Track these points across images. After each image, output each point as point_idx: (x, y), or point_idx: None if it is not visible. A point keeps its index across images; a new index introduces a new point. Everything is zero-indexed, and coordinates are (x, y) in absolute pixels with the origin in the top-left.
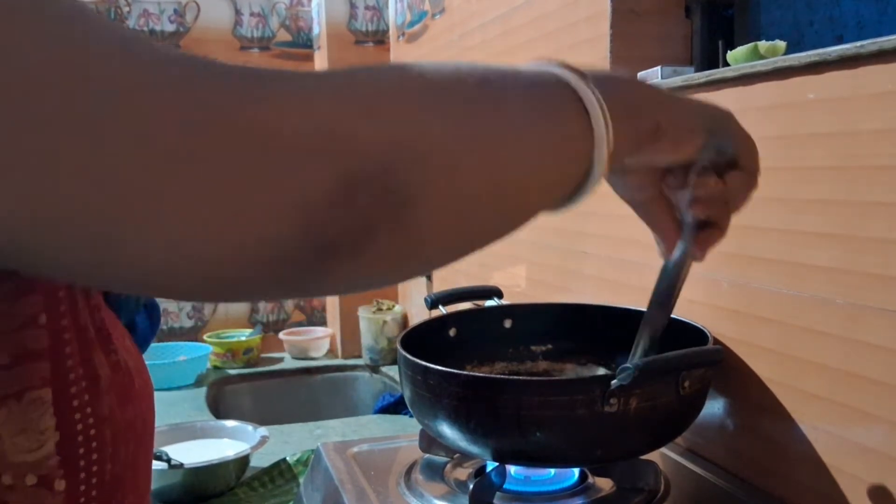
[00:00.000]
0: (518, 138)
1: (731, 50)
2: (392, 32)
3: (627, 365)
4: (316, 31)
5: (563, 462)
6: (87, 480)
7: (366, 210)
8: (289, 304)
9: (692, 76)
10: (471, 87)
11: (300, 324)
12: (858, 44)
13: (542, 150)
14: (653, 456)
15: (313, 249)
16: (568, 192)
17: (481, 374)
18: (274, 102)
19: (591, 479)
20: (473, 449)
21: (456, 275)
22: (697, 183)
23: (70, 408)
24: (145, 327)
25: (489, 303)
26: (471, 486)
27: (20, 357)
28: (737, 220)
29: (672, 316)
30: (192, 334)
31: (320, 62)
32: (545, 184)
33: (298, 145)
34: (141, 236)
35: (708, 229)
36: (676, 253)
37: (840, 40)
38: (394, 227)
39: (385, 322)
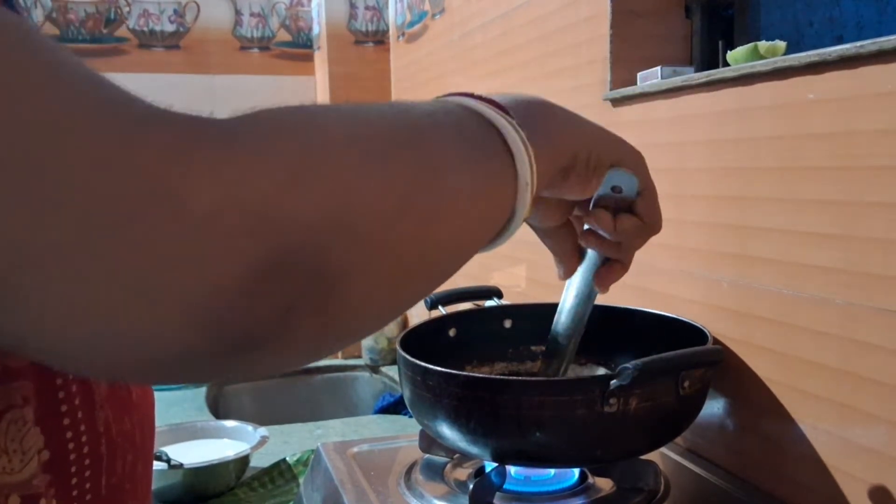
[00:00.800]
0: (451, 194)
1: (730, 50)
2: (392, 32)
3: (627, 365)
4: (316, 31)
5: (563, 462)
6: (81, 497)
7: (287, 297)
8: None
9: (692, 76)
10: (400, 139)
11: None
12: (858, 44)
13: (475, 206)
14: (653, 456)
15: (226, 339)
16: (493, 236)
17: (480, 375)
18: (195, 168)
19: (591, 480)
20: (473, 449)
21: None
22: (590, 217)
23: (60, 426)
24: None
25: (489, 303)
26: (471, 487)
27: None
28: (737, 220)
29: (672, 316)
30: None
31: (320, 62)
32: (474, 238)
33: (213, 221)
34: (37, 312)
35: (609, 265)
36: (580, 282)
37: (840, 40)
38: (319, 311)
39: None
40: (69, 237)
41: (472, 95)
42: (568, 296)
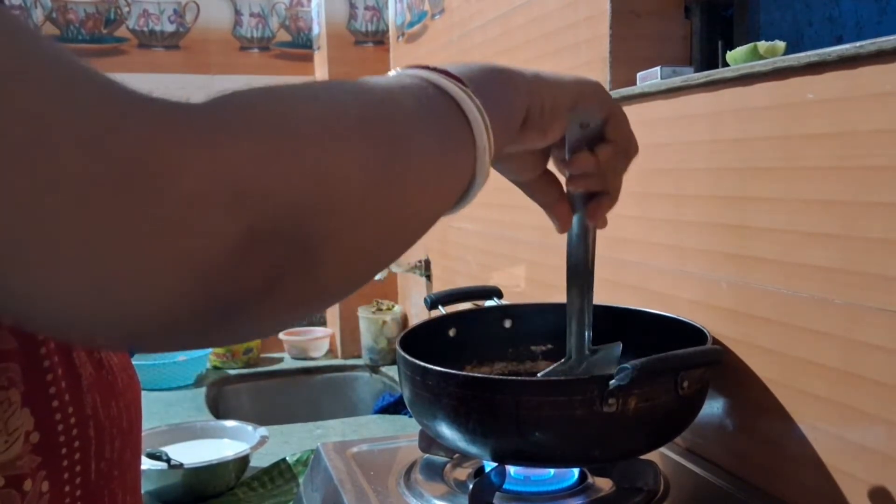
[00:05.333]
0: (418, 162)
1: (730, 50)
2: (392, 33)
3: (626, 365)
4: (316, 31)
5: (563, 462)
6: (72, 480)
7: (271, 265)
8: None
9: (692, 76)
10: (367, 114)
11: (300, 324)
12: (858, 44)
13: (440, 172)
14: (652, 456)
15: (212, 308)
16: (455, 200)
17: (480, 375)
18: (177, 150)
19: (590, 479)
20: (472, 449)
21: (456, 275)
22: (570, 161)
23: (49, 408)
24: None
25: (489, 303)
26: (470, 487)
27: None
28: (736, 220)
29: (672, 316)
30: None
31: (320, 62)
32: (441, 202)
33: (197, 199)
34: (31, 280)
35: (596, 198)
36: (574, 226)
37: (839, 41)
38: (300, 276)
39: (385, 322)
40: (58, 215)
41: (428, 67)
42: (570, 249)
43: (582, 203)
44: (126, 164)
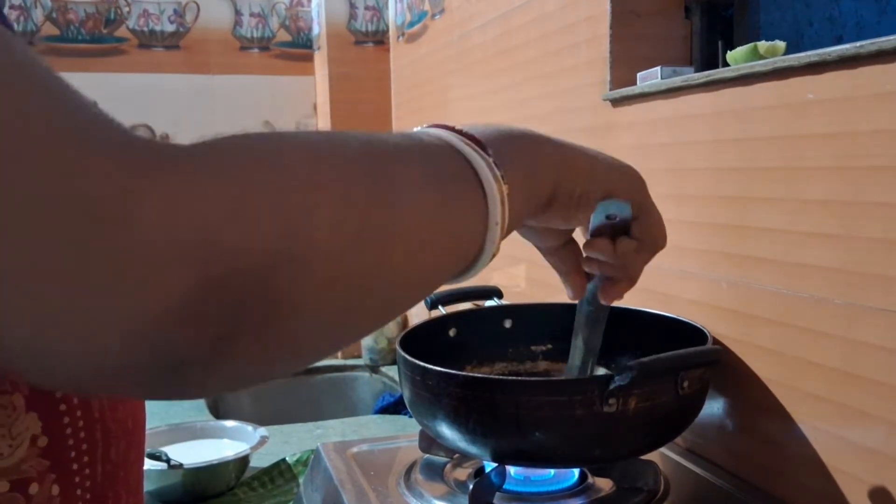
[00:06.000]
0: (412, 228)
1: (730, 50)
2: (392, 32)
3: (626, 365)
4: (316, 31)
5: (563, 462)
6: (82, 483)
7: (222, 325)
8: None
9: (692, 76)
10: (358, 169)
11: None
12: (858, 44)
13: (437, 239)
14: (652, 456)
15: (157, 364)
16: (459, 271)
17: (480, 375)
18: (137, 193)
19: (590, 480)
20: (472, 449)
21: None
22: (588, 244)
23: (57, 412)
24: None
25: (489, 303)
26: (470, 487)
27: None
28: (736, 220)
29: (672, 316)
30: None
31: (320, 62)
32: (436, 271)
33: (145, 251)
34: None
35: (611, 281)
36: (588, 292)
37: (839, 41)
38: (257, 338)
39: None
40: (16, 253)
41: (450, 128)
42: (580, 312)
43: (599, 278)
44: (85, 204)
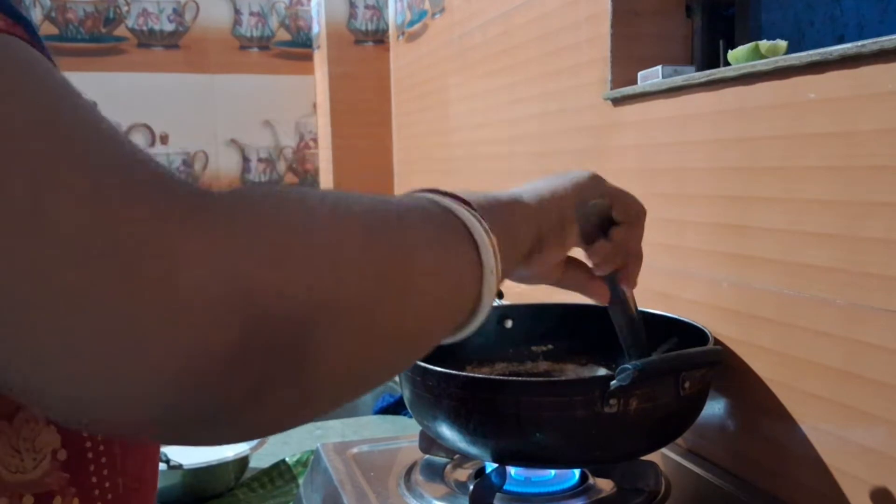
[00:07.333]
0: (424, 277)
1: (731, 49)
2: (392, 32)
3: (627, 365)
4: (315, 30)
5: (563, 463)
6: (102, 496)
7: (262, 372)
8: None
9: (693, 76)
10: (378, 224)
11: None
12: (859, 43)
13: (444, 285)
14: (653, 457)
15: (195, 413)
16: (460, 323)
17: (480, 375)
18: (179, 244)
19: (591, 480)
20: (473, 450)
21: None
22: (589, 253)
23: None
24: None
25: None
26: (471, 487)
27: None
28: (737, 220)
29: (672, 316)
30: None
31: (320, 62)
32: (444, 322)
33: (190, 300)
34: (38, 369)
35: (624, 268)
36: (612, 295)
37: (841, 40)
38: (292, 385)
39: None
40: (59, 291)
41: (438, 191)
42: (614, 311)
43: (614, 273)
44: (131, 249)
